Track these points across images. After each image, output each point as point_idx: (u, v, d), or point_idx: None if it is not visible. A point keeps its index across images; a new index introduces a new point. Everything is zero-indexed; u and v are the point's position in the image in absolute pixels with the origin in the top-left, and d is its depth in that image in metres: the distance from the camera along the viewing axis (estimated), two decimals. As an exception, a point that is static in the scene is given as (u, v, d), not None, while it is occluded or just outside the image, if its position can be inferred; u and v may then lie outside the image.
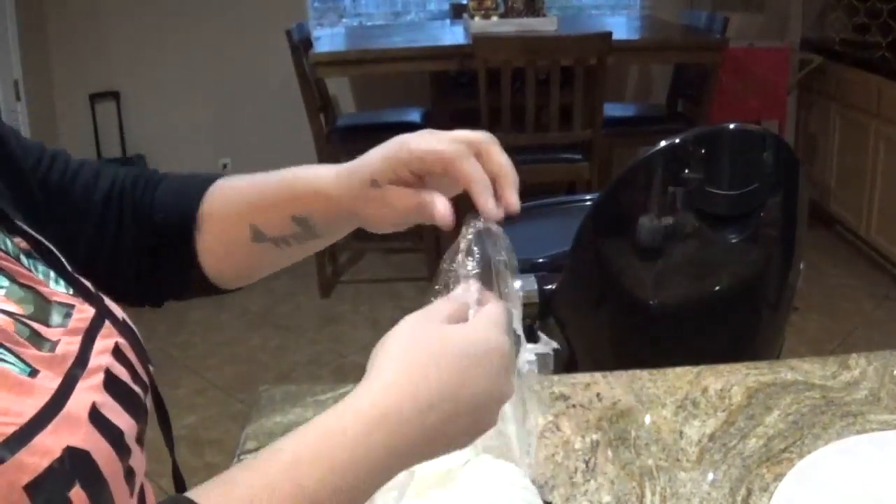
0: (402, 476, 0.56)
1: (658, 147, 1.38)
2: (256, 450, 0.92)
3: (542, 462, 0.88)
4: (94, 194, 0.76)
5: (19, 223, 0.60)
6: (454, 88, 3.53)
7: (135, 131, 4.37)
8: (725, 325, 1.51)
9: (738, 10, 4.03)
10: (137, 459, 0.54)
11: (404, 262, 3.90)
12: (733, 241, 1.42)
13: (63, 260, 0.62)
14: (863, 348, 1.13)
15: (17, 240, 0.60)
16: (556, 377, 1.05)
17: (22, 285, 0.55)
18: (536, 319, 1.56)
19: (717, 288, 1.45)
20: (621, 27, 3.72)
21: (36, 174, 0.72)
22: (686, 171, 1.38)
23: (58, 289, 0.59)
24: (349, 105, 4.36)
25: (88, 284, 0.62)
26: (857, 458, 0.72)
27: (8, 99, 3.88)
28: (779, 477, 0.83)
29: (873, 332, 3.13)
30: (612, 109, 3.55)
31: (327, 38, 3.72)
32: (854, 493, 0.70)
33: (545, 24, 3.40)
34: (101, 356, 0.55)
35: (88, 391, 0.51)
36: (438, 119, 3.38)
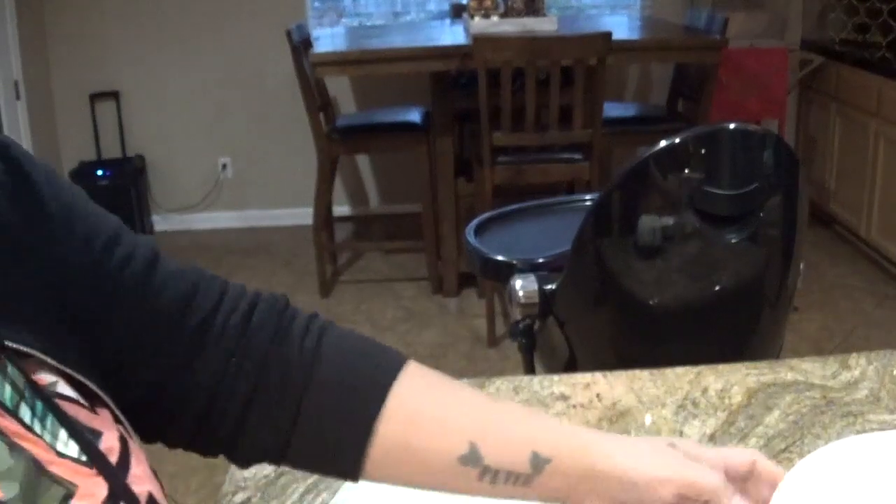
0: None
1: (658, 147, 1.38)
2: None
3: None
4: (190, 318, 0.60)
5: (34, 352, 0.45)
6: (454, 88, 3.52)
7: (135, 131, 4.37)
8: (725, 325, 1.51)
9: (738, 10, 4.03)
10: None
11: (404, 262, 3.90)
12: (733, 241, 1.42)
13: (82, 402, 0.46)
14: (863, 348, 1.13)
15: (37, 367, 0.45)
16: (556, 377, 1.05)
17: (13, 447, 0.40)
18: (536, 319, 1.56)
19: (717, 288, 1.45)
20: (621, 27, 3.72)
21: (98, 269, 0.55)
22: (686, 171, 1.38)
23: (66, 452, 0.43)
24: (349, 105, 4.36)
25: (106, 451, 0.45)
26: (857, 458, 0.72)
27: (8, 99, 3.88)
28: (779, 477, 0.83)
29: (873, 331, 3.13)
30: (612, 109, 3.55)
31: (327, 38, 3.72)
32: (854, 493, 0.69)
33: (545, 24, 3.40)
34: None
35: None
36: (438, 119, 3.38)
